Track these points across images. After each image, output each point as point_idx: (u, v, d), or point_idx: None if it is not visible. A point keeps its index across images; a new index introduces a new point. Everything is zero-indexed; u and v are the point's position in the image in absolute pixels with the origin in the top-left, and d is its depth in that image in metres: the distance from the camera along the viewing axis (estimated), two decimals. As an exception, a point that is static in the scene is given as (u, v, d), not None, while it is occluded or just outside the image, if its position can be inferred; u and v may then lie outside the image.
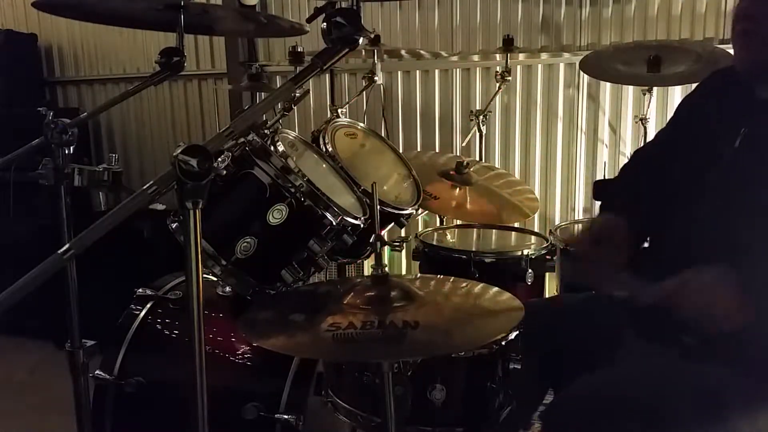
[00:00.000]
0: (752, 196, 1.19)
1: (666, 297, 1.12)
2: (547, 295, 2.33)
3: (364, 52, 2.68)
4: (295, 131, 1.88)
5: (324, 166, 1.70)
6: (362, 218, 1.51)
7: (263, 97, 2.21)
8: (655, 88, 2.57)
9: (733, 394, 1.15)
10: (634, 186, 1.48)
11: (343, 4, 1.15)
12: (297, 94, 1.65)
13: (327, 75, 3.34)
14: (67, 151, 1.35)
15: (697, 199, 1.28)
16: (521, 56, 3.12)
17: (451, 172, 2.31)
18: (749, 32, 1.20)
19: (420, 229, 2.57)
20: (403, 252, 3.17)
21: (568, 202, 3.23)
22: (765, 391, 1.16)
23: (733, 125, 1.25)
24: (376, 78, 2.61)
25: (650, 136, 2.84)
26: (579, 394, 1.23)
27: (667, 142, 1.49)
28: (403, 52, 2.86)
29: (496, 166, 3.14)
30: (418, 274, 2.02)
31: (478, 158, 2.85)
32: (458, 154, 3.00)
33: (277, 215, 1.38)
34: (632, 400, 1.17)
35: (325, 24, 1.12)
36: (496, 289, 1.35)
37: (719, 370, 1.16)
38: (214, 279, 1.52)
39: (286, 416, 1.39)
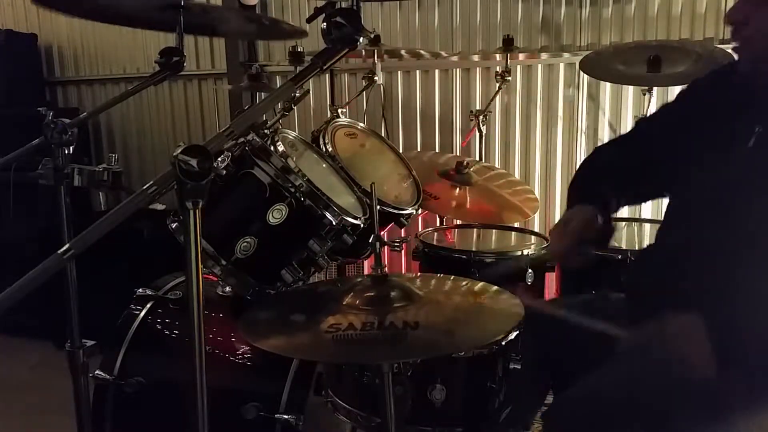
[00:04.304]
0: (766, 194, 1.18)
1: (643, 344, 1.17)
2: (547, 296, 2.33)
3: (364, 52, 2.68)
4: (295, 131, 1.88)
5: (324, 166, 1.70)
6: (362, 218, 1.51)
7: (263, 97, 2.21)
8: (655, 88, 2.56)
9: (734, 394, 1.15)
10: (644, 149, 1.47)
11: (343, 4, 1.15)
12: (297, 94, 1.65)
13: (327, 75, 3.34)
14: (67, 151, 1.35)
15: (711, 201, 1.27)
16: (521, 56, 3.12)
17: (451, 172, 2.31)
18: (746, 39, 1.22)
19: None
20: (403, 252, 3.17)
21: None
22: (766, 390, 1.16)
23: (747, 124, 1.23)
24: (376, 78, 2.61)
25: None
26: (580, 395, 1.23)
27: (678, 123, 1.46)
28: (403, 52, 2.86)
29: (496, 166, 3.14)
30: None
31: (478, 158, 2.85)
32: (458, 154, 3.00)
33: (277, 215, 1.38)
34: (634, 401, 1.17)
35: (325, 24, 1.12)
36: (496, 288, 1.35)
37: (720, 370, 1.15)
38: (214, 279, 1.52)
39: (286, 416, 1.39)
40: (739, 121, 1.25)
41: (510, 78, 2.84)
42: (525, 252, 2.01)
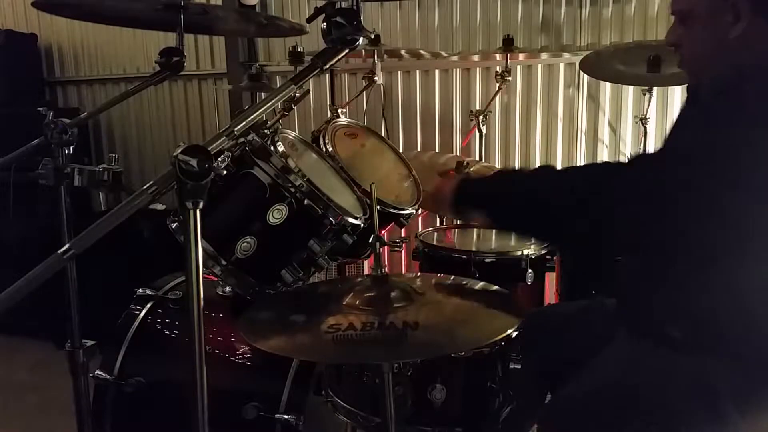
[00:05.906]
0: (707, 191, 1.19)
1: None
2: (546, 296, 2.33)
3: (364, 52, 2.68)
4: (295, 131, 1.88)
5: (324, 166, 1.70)
6: (362, 218, 1.51)
7: (263, 97, 2.21)
8: (655, 88, 2.57)
9: (726, 385, 1.16)
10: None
11: (343, 4, 1.15)
12: (297, 94, 1.65)
13: (327, 75, 3.34)
14: (67, 151, 1.35)
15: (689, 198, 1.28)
16: (521, 56, 3.12)
17: (451, 172, 2.31)
18: (682, 58, 1.35)
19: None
20: (403, 252, 3.17)
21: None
22: (756, 381, 1.17)
23: (697, 126, 1.27)
24: (376, 78, 2.62)
25: (650, 136, 2.84)
26: (575, 394, 1.23)
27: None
28: (403, 52, 2.86)
29: (496, 166, 3.14)
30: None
31: (478, 158, 2.85)
32: (458, 154, 3.00)
33: (277, 215, 1.38)
34: (629, 398, 1.18)
35: (325, 24, 1.12)
36: (496, 288, 1.35)
37: (710, 362, 1.17)
38: (215, 279, 1.52)
39: (286, 416, 1.39)
40: (692, 123, 1.31)
41: (510, 78, 2.84)
42: (525, 252, 2.01)
